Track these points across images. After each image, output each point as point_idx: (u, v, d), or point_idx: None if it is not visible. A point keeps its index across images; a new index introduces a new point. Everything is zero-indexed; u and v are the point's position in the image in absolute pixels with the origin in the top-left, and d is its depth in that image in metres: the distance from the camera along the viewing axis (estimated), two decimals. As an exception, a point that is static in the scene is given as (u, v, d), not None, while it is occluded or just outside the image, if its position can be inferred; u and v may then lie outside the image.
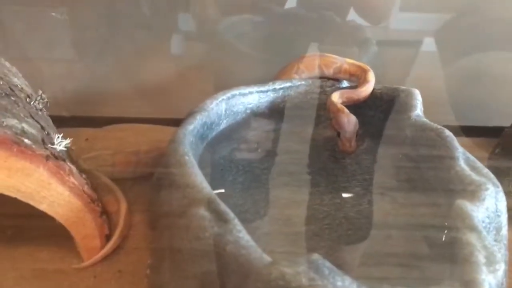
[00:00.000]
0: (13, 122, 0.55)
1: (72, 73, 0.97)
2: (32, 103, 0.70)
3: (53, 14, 0.90)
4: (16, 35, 0.93)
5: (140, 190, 0.72)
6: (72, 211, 0.56)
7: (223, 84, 0.73)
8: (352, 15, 0.96)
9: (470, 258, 0.44)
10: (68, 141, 0.59)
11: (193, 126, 0.64)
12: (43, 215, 0.59)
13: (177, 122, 0.62)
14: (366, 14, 0.97)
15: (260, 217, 0.59)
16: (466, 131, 0.86)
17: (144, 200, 0.70)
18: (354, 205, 0.61)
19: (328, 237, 0.56)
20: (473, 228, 0.47)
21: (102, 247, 0.61)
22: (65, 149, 0.58)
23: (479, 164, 0.58)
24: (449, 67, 1.00)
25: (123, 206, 0.65)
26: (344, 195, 0.62)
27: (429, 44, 0.98)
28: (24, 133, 0.54)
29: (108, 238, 0.62)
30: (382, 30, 0.99)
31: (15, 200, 0.54)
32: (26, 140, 0.52)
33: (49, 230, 0.62)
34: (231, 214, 0.48)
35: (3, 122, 0.54)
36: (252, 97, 0.75)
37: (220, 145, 0.71)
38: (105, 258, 0.61)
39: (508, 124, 0.82)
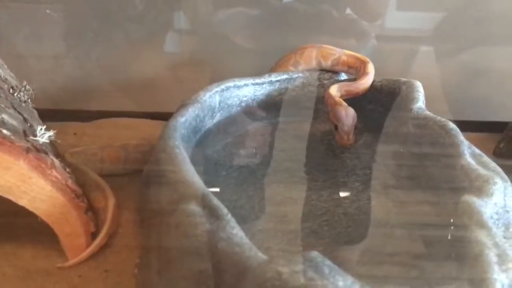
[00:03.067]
0: (-8, 112, 0.52)
1: (61, 66, 0.93)
2: (15, 94, 0.66)
3: (42, 7, 0.87)
4: (3, 28, 0.90)
5: (130, 187, 0.69)
6: (55, 207, 0.53)
7: (217, 78, 0.71)
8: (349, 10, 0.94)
9: (480, 257, 0.41)
10: (51, 133, 0.56)
11: (185, 118, 0.61)
12: (26, 212, 0.56)
13: (169, 117, 0.59)
14: (362, 11, 0.94)
15: (255, 214, 0.56)
16: (468, 126, 0.83)
17: (133, 197, 0.67)
18: (354, 201, 0.58)
19: (327, 234, 0.53)
20: (482, 225, 0.44)
21: (88, 245, 0.57)
22: (48, 141, 0.55)
23: (485, 158, 0.55)
24: (450, 62, 0.98)
25: (111, 203, 0.62)
26: (343, 190, 0.59)
27: (429, 40, 0.96)
28: (3, 123, 0.51)
29: (94, 236, 0.58)
30: (380, 27, 0.96)
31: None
32: (4, 131, 0.49)
33: (32, 227, 0.59)
34: (224, 210, 0.45)
35: (-19, 112, 0.50)
36: (247, 90, 0.72)
37: (214, 139, 0.68)
38: (91, 257, 0.58)
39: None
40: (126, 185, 0.69)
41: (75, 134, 0.82)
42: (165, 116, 0.63)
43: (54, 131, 0.56)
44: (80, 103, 0.92)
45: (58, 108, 0.90)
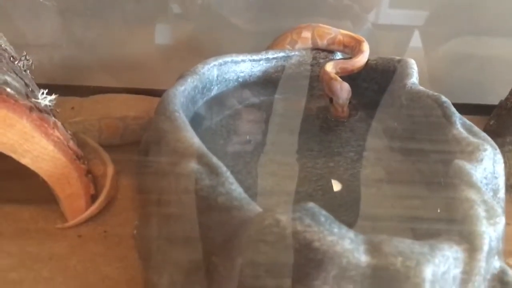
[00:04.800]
0: (-5, 72, 0.53)
1: (59, 41, 0.94)
2: (16, 62, 0.67)
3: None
4: (1, 3, 0.90)
5: (128, 157, 0.70)
6: (56, 167, 0.54)
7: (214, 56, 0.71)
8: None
9: (469, 212, 0.42)
10: (53, 97, 0.57)
11: (184, 87, 0.62)
12: (24, 176, 0.57)
13: None
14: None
15: (252, 178, 0.57)
16: (458, 108, 0.85)
17: (131, 166, 0.68)
18: (348, 168, 0.59)
19: (321, 198, 0.54)
20: (472, 185, 0.46)
21: (87, 207, 0.58)
22: (49, 104, 0.55)
23: (476, 128, 0.57)
24: (441, 49, 1.00)
25: (110, 169, 0.63)
26: (338, 159, 0.60)
27: (421, 27, 0.98)
28: (6, 83, 0.52)
29: (93, 199, 0.59)
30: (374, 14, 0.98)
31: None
32: (8, 89, 0.50)
33: (31, 191, 0.60)
34: (223, 168, 0.46)
35: (-16, 71, 0.51)
36: (244, 66, 0.74)
37: (211, 110, 0.69)
38: (90, 219, 0.59)
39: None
40: (124, 155, 0.70)
41: (72, 108, 0.83)
42: (162, 94, 0.64)
43: (56, 95, 0.57)
44: (77, 79, 0.92)
45: (55, 83, 0.91)
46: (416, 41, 1.02)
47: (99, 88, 0.91)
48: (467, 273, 0.40)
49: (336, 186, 0.57)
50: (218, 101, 0.71)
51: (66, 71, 0.94)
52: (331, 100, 0.66)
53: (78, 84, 0.91)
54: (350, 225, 0.41)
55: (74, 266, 0.53)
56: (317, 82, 0.76)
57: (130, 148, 0.73)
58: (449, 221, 0.45)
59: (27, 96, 0.54)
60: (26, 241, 0.56)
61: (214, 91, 0.71)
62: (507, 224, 0.45)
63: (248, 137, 0.65)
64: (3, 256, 0.54)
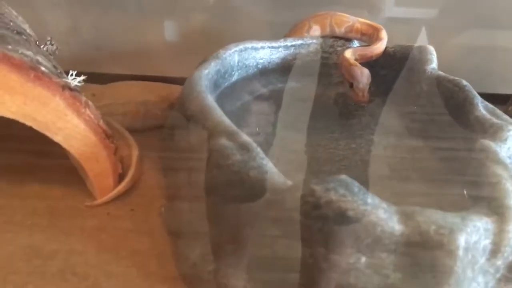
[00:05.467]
0: (28, 52, 0.54)
1: (78, 29, 0.95)
2: (42, 47, 0.68)
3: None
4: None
5: (150, 141, 0.71)
6: (87, 146, 0.55)
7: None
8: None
9: (498, 186, 0.43)
10: (82, 78, 0.58)
11: (207, 71, 0.63)
12: (54, 155, 0.58)
13: (184, 82, 0.61)
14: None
15: (275, 159, 0.58)
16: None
17: (154, 149, 0.69)
18: (370, 150, 0.60)
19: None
20: (498, 162, 0.47)
21: (115, 186, 0.59)
22: (79, 84, 0.56)
23: (498, 111, 0.58)
24: (453, 41, 1.01)
25: (135, 149, 0.64)
26: (359, 141, 0.61)
27: (435, 19, 0.98)
28: (39, 63, 0.53)
29: (121, 178, 0.60)
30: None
31: (27, 137, 0.53)
32: (42, 68, 0.51)
33: (60, 170, 0.61)
34: (253, 144, 0.47)
35: (18, 50, 0.52)
36: (263, 52, 0.75)
37: (233, 95, 0.70)
38: (117, 198, 0.60)
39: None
40: (145, 140, 0.71)
41: (93, 95, 0.83)
42: (180, 81, 0.65)
43: (85, 77, 0.58)
44: (95, 66, 0.93)
45: (73, 70, 0.92)
46: (429, 33, 1.02)
47: (118, 75, 0.91)
48: (497, 244, 0.41)
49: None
50: (239, 86, 0.72)
51: (86, 59, 0.95)
52: (351, 85, 0.66)
53: (98, 72, 0.92)
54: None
55: (105, 241, 0.54)
56: (335, 70, 0.77)
57: (150, 133, 0.74)
58: (478, 196, 0.46)
59: (58, 76, 0.55)
60: (57, 218, 0.57)
61: (235, 76, 0.72)
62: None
63: (271, 121, 0.66)
64: (37, 231, 0.55)
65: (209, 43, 0.98)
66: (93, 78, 0.91)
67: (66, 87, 0.53)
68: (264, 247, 0.44)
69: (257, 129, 0.67)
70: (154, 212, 0.58)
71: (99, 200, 0.58)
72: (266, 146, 0.61)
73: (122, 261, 0.51)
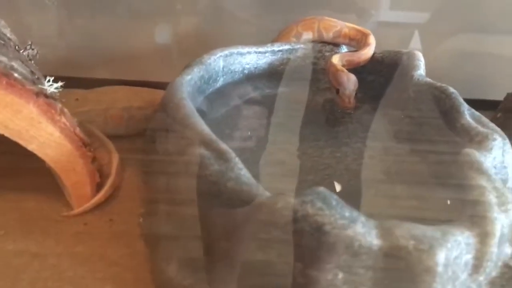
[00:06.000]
0: (2, 58, 0.52)
1: (63, 33, 0.93)
2: (21, 51, 0.67)
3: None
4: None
5: (132, 147, 0.70)
6: (62, 155, 0.53)
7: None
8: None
9: (480, 198, 0.42)
10: (59, 84, 0.56)
11: (190, 76, 0.62)
12: (30, 160, 0.56)
13: None
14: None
15: (259, 167, 0.57)
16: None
17: (136, 156, 0.68)
18: (356, 159, 0.59)
19: (329, 187, 0.54)
20: (482, 172, 0.45)
21: (93, 195, 0.58)
22: (56, 91, 0.55)
23: (485, 119, 0.57)
24: (444, 46, 1.00)
25: (115, 158, 0.63)
26: (345, 149, 0.60)
27: (425, 25, 0.98)
28: (13, 69, 0.52)
29: (99, 187, 0.59)
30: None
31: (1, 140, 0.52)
32: (16, 74, 0.50)
33: (36, 176, 0.60)
34: (232, 153, 0.46)
35: (-9, 56, 0.51)
36: (250, 57, 0.73)
37: (218, 101, 0.69)
38: (96, 207, 0.58)
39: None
40: (129, 146, 0.70)
41: (77, 99, 0.82)
42: (166, 86, 0.63)
43: (62, 82, 0.57)
44: (81, 71, 0.92)
45: (58, 75, 0.90)
46: (418, 38, 1.01)
47: (103, 80, 0.90)
48: (479, 259, 0.40)
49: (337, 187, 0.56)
50: (224, 92, 0.71)
51: (69, 64, 0.93)
52: (337, 91, 0.65)
53: (81, 76, 0.91)
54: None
55: (80, 253, 0.52)
56: (322, 75, 0.76)
57: (135, 139, 0.72)
58: (460, 208, 0.44)
59: (34, 82, 0.54)
60: (31, 228, 0.55)
61: (220, 82, 0.71)
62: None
63: (255, 128, 0.65)
64: (8, 243, 0.53)
65: (199, 47, 0.97)
66: (79, 82, 0.91)
67: (41, 94, 0.51)
68: (243, 260, 0.42)
69: (248, 133, 0.66)
70: (134, 221, 0.56)
71: (76, 210, 0.57)
72: (250, 154, 0.59)
73: (97, 274, 0.50)
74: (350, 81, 0.66)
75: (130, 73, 0.93)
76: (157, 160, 0.55)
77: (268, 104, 0.73)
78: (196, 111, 0.61)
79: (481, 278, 0.41)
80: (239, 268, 0.42)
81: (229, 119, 0.67)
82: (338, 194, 0.54)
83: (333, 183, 0.56)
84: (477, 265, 0.40)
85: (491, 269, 0.41)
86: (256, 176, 0.52)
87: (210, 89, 0.69)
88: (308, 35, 0.80)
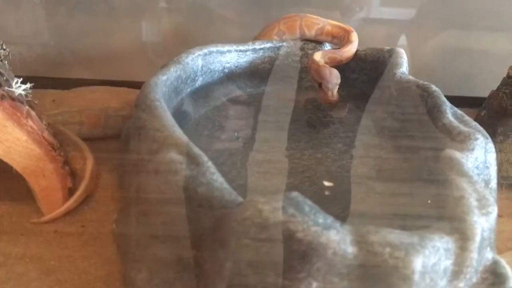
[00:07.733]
0: (-34, 60, 0.50)
1: (40, 32, 0.91)
2: (-9, 52, 0.65)
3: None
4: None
5: (109, 150, 0.68)
6: (30, 159, 0.51)
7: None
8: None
9: (460, 201, 0.40)
10: (28, 85, 0.54)
11: (166, 77, 0.60)
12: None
13: None
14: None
15: (236, 170, 0.55)
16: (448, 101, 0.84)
17: (112, 160, 0.66)
18: (336, 160, 0.57)
19: (309, 189, 0.52)
20: (463, 174, 0.44)
21: (65, 201, 0.56)
22: (24, 93, 0.53)
23: (467, 117, 0.55)
24: (431, 43, 0.99)
25: (89, 161, 0.60)
26: (326, 150, 0.58)
27: (412, 21, 0.97)
28: (-23, 71, 0.49)
29: (71, 192, 0.57)
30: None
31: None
32: (-22, 77, 0.47)
33: (7, 183, 0.57)
34: (204, 157, 0.44)
35: (-48, 58, 0.48)
36: (230, 56, 0.72)
37: (196, 102, 0.67)
38: (68, 213, 0.56)
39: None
40: (105, 149, 0.68)
41: (53, 101, 0.80)
42: None
43: (32, 84, 0.55)
44: (59, 70, 0.90)
45: (35, 75, 0.88)
46: (406, 35, 1.00)
47: (81, 80, 0.88)
48: (459, 265, 0.38)
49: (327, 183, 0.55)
50: (203, 91, 0.69)
51: (47, 63, 0.91)
52: (320, 85, 0.64)
53: (59, 77, 0.89)
54: (337, 217, 0.39)
55: (49, 262, 0.50)
56: (305, 74, 0.75)
57: (112, 141, 0.70)
58: (440, 212, 0.43)
59: (0, 85, 0.51)
60: (-1, 238, 0.53)
61: (199, 82, 0.69)
62: (498, 216, 0.43)
63: (234, 129, 0.63)
64: (-26, 252, 0.51)
65: (180, 46, 0.95)
66: (58, 83, 0.88)
67: (7, 96, 0.49)
68: (215, 271, 0.40)
69: (235, 134, 0.64)
70: (107, 228, 0.55)
71: (47, 217, 0.55)
72: (228, 156, 0.58)
73: (65, 285, 0.48)
74: (333, 75, 0.65)
75: (109, 72, 0.91)
76: (131, 162, 0.53)
77: (249, 104, 0.71)
78: (174, 112, 0.60)
79: (461, 284, 0.39)
80: (210, 278, 0.40)
81: (208, 120, 0.65)
82: (329, 190, 0.53)
83: (314, 185, 0.54)
84: (457, 271, 0.39)
85: (472, 275, 0.39)
86: (232, 179, 0.51)
87: (188, 89, 0.67)
88: (290, 33, 0.78)
